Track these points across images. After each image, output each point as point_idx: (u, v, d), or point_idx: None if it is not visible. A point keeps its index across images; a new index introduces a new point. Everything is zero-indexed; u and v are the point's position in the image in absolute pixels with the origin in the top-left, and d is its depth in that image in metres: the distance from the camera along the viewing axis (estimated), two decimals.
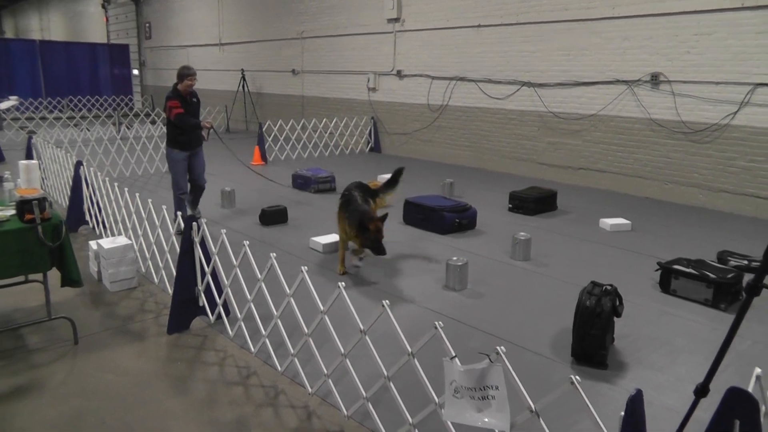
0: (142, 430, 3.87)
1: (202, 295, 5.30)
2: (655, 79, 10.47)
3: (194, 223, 5.07)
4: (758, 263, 6.29)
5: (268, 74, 19.65)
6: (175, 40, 24.79)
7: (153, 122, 18.27)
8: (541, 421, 2.76)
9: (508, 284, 6.51)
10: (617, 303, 4.80)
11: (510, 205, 9.73)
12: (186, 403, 4.19)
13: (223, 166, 13.11)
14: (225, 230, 5.13)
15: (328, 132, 16.21)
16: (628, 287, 6.07)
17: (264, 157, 14.09)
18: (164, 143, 8.50)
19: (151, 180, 12.03)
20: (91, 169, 7.70)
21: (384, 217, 6.36)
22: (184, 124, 7.96)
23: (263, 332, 4.60)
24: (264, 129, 14.70)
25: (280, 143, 15.23)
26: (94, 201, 7.76)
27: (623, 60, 10.89)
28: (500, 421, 2.85)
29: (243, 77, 19.64)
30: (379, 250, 6.19)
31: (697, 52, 9.92)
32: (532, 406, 2.76)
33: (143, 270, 6.62)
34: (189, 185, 8.41)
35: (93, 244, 6.54)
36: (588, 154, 11.71)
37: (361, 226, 6.17)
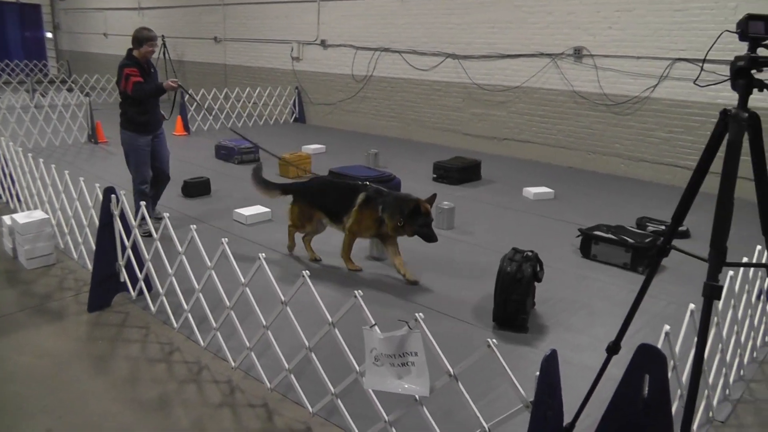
0: (62, 413, 3.73)
1: (123, 270, 5.13)
2: (577, 53, 10.66)
3: (113, 196, 4.88)
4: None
5: (190, 41, 19.05)
6: (92, 2, 23.60)
7: (70, 90, 17.48)
8: (459, 385, 2.78)
9: (432, 252, 6.55)
10: (538, 268, 4.90)
11: (434, 175, 9.82)
12: (107, 382, 4.08)
13: None
14: (144, 203, 4.97)
15: (252, 102, 15.90)
16: (549, 253, 6.19)
17: (186, 128, 13.71)
18: (120, 125, 6.95)
19: (69, 151, 11.56)
20: (3, 139, 7.33)
21: (433, 199, 5.80)
22: (143, 94, 6.60)
23: (185, 307, 4.50)
24: (186, 99, 14.27)
25: (202, 113, 14.84)
26: (7, 173, 7.42)
27: (547, 34, 11.03)
28: (420, 386, 2.87)
29: (164, 44, 18.91)
30: (432, 236, 5.60)
31: (618, 27, 10.15)
32: (451, 371, 2.78)
33: (62, 246, 6.34)
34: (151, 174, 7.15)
35: (7, 219, 6.23)
36: (513, 125, 11.88)
37: (414, 213, 5.49)
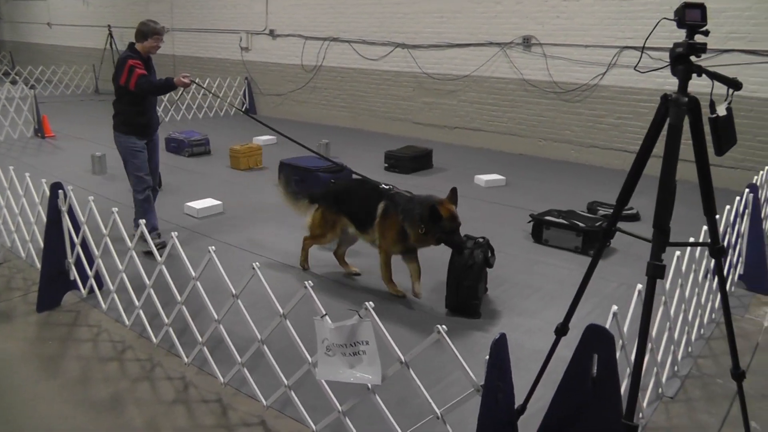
0: (11, 418, 3.63)
1: (73, 267, 5.00)
2: (526, 42, 10.77)
3: (60, 191, 4.75)
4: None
5: None
6: None
7: (14, 82, 16.88)
8: (411, 372, 2.79)
9: None
10: (489, 254, 4.94)
11: (386, 164, 9.82)
12: (58, 384, 3.97)
13: (91, 128, 12.39)
14: (93, 197, 4.84)
15: (201, 93, 15.66)
16: (502, 239, 6.25)
17: None
18: (113, 128, 6.29)
19: (14, 146, 11.19)
20: None
21: (454, 196, 5.01)
22: (150, 88, 5.92)
23: (137, 304, 4.42)
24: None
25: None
26: None
27: (495, 23, 11.13)
28: (371, 375, 2.87)
29: (110, 34, 18.50)
30: (460, 243, 4.87)
31: (566, 17, 10.30)
32: (402, 358, 2.79)
33: (8, 244, 6.12)
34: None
35: None
36: (463, 113, 11.95)
37: (433, 217, 4.70)
